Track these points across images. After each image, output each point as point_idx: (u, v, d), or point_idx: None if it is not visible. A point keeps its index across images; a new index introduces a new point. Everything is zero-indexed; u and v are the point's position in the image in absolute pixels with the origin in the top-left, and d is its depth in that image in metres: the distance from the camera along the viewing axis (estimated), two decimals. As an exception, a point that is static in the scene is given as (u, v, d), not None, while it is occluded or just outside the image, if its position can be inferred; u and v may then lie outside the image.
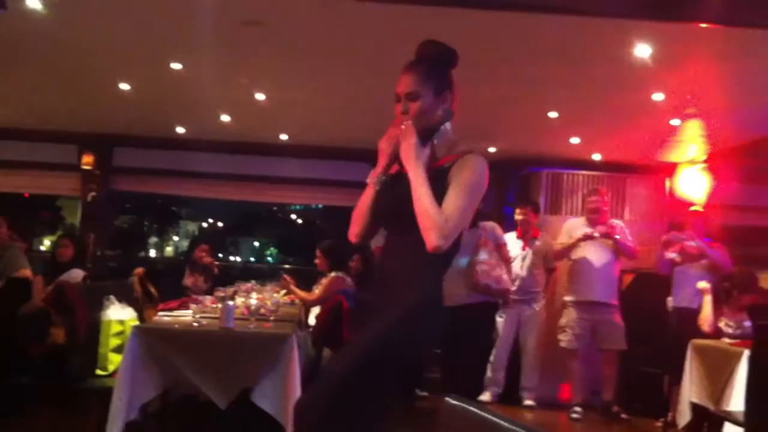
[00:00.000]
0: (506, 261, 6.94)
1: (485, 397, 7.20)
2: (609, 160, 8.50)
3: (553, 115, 6.77)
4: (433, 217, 2.48)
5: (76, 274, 6.26)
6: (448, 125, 2.74)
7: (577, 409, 6.78)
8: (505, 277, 6.83)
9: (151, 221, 11.80)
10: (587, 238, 6.79)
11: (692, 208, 7.21)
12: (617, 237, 6.76)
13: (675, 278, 6.61)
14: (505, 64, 5.47)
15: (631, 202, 8.69)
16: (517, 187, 8.89)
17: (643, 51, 4.91)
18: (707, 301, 5.44)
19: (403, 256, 2.65)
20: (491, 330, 7.25)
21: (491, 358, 7.26)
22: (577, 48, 5.05)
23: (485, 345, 7.19)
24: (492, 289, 6.77)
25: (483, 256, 6.73)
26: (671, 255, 6.60)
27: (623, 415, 6.72)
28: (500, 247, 6.91)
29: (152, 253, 10.38)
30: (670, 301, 6.60)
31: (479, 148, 2.71)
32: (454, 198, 2.53)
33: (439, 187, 2.56)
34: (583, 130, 7.43)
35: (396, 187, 2.65)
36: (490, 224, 6.99)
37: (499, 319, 7.28)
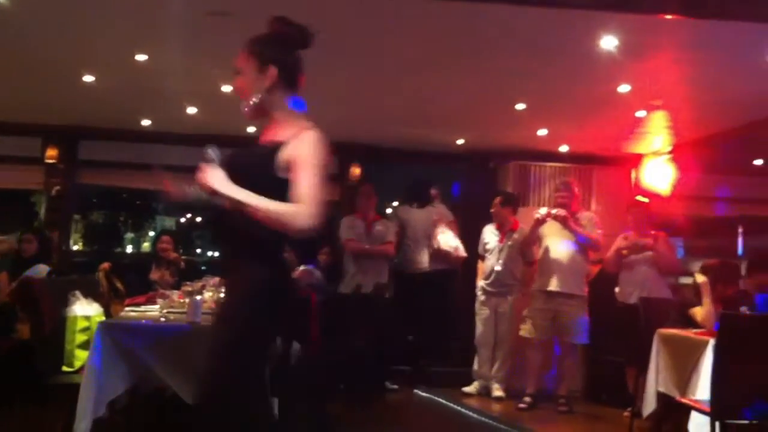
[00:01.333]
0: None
1: (470, 389, 7.29)
2: (576, 151, 8.56)
3: (520, 107, 6.79)
4: (287, 213, 2.54)
5: (41, 269, 6.19)
6: (287, 101, 2.80)
7: (527, 399, 6.85)
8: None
9: (126, 217, 11.67)
10: (539, 222, 6.87)
11: (637, 198, 7.32)
12: (570, 223, 6.81)
13: (622, 272, 6.75)
14: (472, 56, 5.48)
15: (599, 193, 8.76)
16: (484, 180, 8.91)
17: (609, 43, 4.94)
18: (707, 299, 5.13)
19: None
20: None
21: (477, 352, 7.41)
22: (544, 40, 5.06)
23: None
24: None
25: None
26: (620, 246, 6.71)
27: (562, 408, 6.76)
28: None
29: (129, 249, 10.29)
30: (621, 296, 6.70)
31: (314, 125, 2.74)
32: (305, 178, 2.58)
33: (273, 161, 2.62)
34: (550, 122, 7.47)
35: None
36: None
37: (478, 315, 7.38)
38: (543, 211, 6.91)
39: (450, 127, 7.94)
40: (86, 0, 4.76)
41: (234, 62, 2.81)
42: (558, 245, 6.88)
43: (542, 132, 7.78)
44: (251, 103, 2.76)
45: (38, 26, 5.23)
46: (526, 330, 6.99)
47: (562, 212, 6.83)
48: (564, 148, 8.52)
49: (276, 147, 2.65)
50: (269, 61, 2.75)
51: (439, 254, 7.83)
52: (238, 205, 2.57)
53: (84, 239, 10.46)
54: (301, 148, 2.62)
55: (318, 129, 2.69)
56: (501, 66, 5.66)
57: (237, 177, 2.61)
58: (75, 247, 9.36)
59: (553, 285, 6.83)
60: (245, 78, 2.78)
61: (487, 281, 7.35)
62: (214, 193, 2.59)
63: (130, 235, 10.96)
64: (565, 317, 6.84)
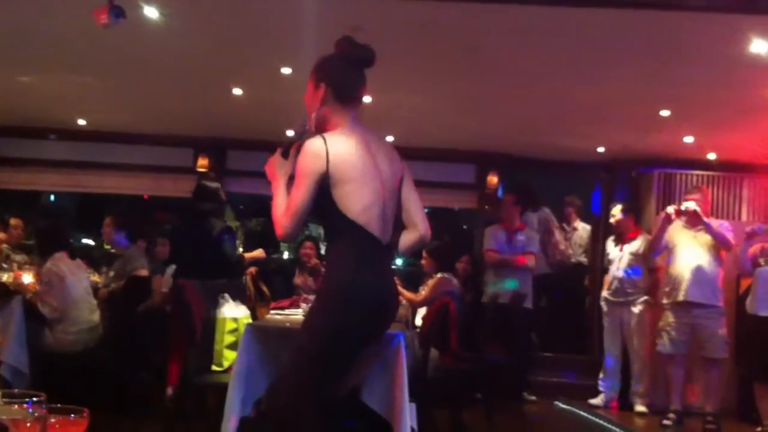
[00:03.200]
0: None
1: (597, 400, 7.14)
2: (725, 159, 8.20)
3: (665, 113, 6.60)
4: (274, 216, 2.83)
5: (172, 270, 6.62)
6: (339, 116, 2.93)
7: (671, 415, 6.59)
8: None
9: None
10: (667, 220, 6.63)
11: None
12: (701, 218, 6.52)
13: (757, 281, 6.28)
14: (612, 62, 5.38)
15: (749, 202, 8.35)
16: (626, 189, 8.68)
17: (759, 47, 4.73)
18: None
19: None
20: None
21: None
22: (690, 44, 4.92)
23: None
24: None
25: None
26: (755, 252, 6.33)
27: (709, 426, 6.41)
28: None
29: (285, 255, 10.72)
30: (750, 307, 6.31)
31: (330, 133, 2.88)
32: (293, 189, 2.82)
33: None
34: (697, 129, 7.20)
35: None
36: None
37: (604, 326, 7.26)
38: (671, 209, 6.67)
39: (589, 135, 7.79)
40: (235, 17, 5.01)
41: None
42: (687, 254, 6.62)
43: (688, 139, 7.50)
44: (312, 118, 2.96)
45: (190, 43, 5.54)
46: (662, 345, 6.78)
47: (692, 206, 6.54)
48: (712, 156, 8.18)
49: None
50: (321, 79, 2.94)
51: (554, 259, 8.40)
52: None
53: (244, 245, 11.03)
54: None
55: (338, 136, 2.85)
56: (644, 72, 5.52)
57: None
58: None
59: (687, 295, 6.57)
60: (307, 95, 3.00)
61: (610, 291, 7.27)
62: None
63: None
64: (703, 330, 6.58)
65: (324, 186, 2.77)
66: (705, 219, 6.55)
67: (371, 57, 2.96)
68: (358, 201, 2.79)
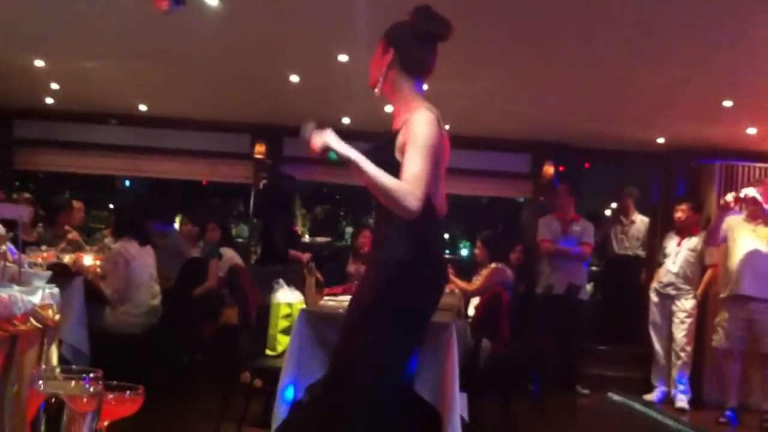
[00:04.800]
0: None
1: (651, 396, 7.07)
2: (790, 151, 7.98)
3: (727, 103, 6.45)
4: (395, 190, 2.56)
5: (225, 252, 6.89)
6: (406, 86, 2.85)
7: (727, 413, 6.46)
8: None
9: (346, 211, 12.23)
10: (725, 208, 6.47)
11: None
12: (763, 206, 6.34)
13: None
14: (672, 48, 5.26)
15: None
16: (685, 180, 8.52)
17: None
18: None
19: (376, 233, 3.08)
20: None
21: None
22: (755, 34, 4.80)
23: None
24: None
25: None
26: None
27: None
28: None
29: (349, 241, 10.68)
30: None
31: (428, 106, 2.76)
32: (411, 161, 2.60)
33: (391, 150, 2.69)
34: (760, 120, 7.03)
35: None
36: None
37: (651, 319, 7.22)
38: (730, 197, 6.47)
39: (649, 124, 7.65)
40: (292, 4, 5.03)
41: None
42: (751, 246, 6.46)
43: (751, 131, 7.33)
44: (378, 83, 2.89)
45: (248, 29, 5.59)
46: (717, 340, 6.65)
47: (751, 192, 6.35)
48: (776, 148, 7.97)
49: (395, 135, 2.75)
50: (391, 44, 2.87)
51: None
52: (354, 168, 2.63)
53: (310, 231, 11.19)
54: (411, 130, 2.67)
55: (431, 109, 2.72)
56: (706, 59, 5.40)
57: None
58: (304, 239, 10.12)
59: (746, 289, 6.41)
60: (374, 59, 2.94)
61: (661, 283, 7.20)
62: (327, 150, 2.72)
63: (350, 229, 11.54)
64: (760, 326, 6.42)
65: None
66: (765, 206, 6.36)
67: (446, 33, 2.86)
68: (439, 183, 2.77)
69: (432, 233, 2.80)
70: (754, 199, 6.33)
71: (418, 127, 2.66)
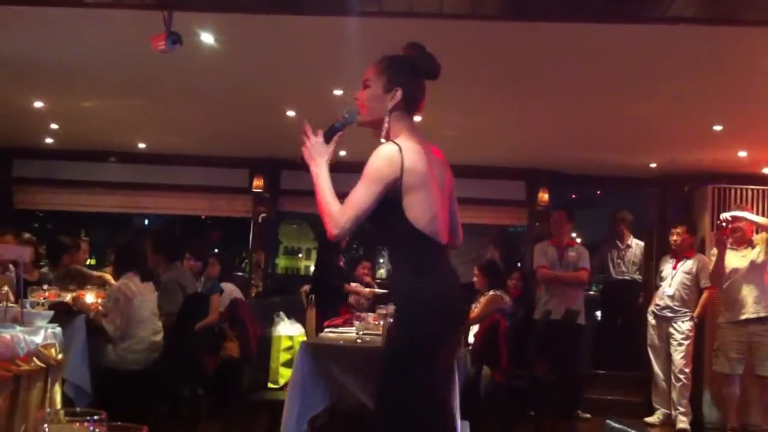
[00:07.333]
0: None
1: (653, 419, 7.11)
2: (781, 173, 8.08)
3: (717, 128, 6.55)
4: (326, 214, 2.71)
5: (224, 285, 6.77)
6: (407, 125, 2.85)
7: None
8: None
9: (358, 244, 12.39)
10: (723, 246, 6.63)
11: None
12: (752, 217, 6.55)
13: None
14: (663, 78, 5.36)
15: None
16: (679, 204, 8.59)
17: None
18: None
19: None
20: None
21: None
22: (744, 59, 4.89)
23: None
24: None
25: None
26: None
27: None
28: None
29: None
30: None
31: (406, 137, 2.80)
32: (352, 190, 2.70)
33: None
34: (750, 144, 7.12)
35: None
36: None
37: (649, 342, 7.27)
38: (725, 216, 6.71)
39: (641, 151, 7.75)
40: (288, 42, 5.13)
41: (365, 74, 2.92)
42: (743, 274, 6.63)
43: (742, 154, 7.42)
44: (385, 124, 2.85)
45: (245, 66, 5.69)
46: (719, 365, 6.72)
47: (727, 215, 6.66)
48: (767, 170, 8.06)
49: None
50: (398, 83, 2.84)
51: None
52: (313, 179, 2.79)
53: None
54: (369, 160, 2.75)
55: (403, 142, 2.75)
56: (695, 89, 5.50)
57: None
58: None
59: (744, 314, 6.56)
60: (370, 93, 2.88)
61: (658, 306, 7.25)
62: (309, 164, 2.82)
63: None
64: (759, 348, 6.51)
65: (392, 194, 2.70)
66: (746, 213, 6.59)
67: (439, 72, 2.91)
68: (426, 210, 2.73)
69: (430, 258, 2.78)
70: (740, 218, 6.61)
71: (370, 159, 2.75)
